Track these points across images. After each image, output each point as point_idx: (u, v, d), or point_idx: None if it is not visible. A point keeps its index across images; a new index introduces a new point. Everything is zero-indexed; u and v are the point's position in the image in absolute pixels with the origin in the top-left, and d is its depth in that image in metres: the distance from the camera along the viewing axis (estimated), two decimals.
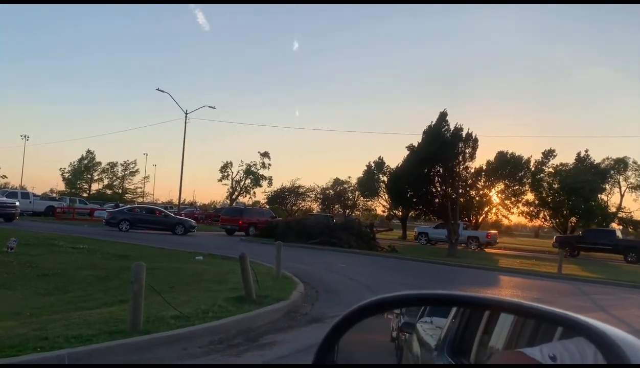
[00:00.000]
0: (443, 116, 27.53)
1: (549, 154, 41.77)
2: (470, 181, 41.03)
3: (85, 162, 74.41)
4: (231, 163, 72.70)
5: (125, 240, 21.50)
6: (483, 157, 44.13)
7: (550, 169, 41.95)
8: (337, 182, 62.16)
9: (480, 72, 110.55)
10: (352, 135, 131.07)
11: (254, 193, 71.49)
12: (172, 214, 35.00)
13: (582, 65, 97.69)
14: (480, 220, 43.20)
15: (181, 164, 42.27)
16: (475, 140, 28.25)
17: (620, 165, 56.70)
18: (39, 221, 34.00)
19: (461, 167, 28.15)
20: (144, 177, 78.01)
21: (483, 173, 40.86)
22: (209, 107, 43.72)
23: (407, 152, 28.71)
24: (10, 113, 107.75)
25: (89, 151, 73.96)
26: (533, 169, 42.09)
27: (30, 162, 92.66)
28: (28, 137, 71.07)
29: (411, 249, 28.30)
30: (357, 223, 27.91)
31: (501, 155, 41.87)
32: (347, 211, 60.20)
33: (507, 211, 42.17)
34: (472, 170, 33.75)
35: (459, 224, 35.53)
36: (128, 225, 29.68)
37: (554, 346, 0.99)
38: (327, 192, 59.95)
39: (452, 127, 27.54)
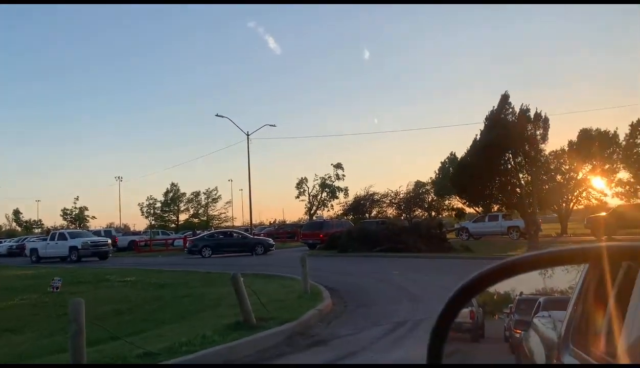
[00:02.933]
0: (505, 99, 25.34)
1: (638, 124, 37.23)
2: (552, 165, 37.86)
3: (171, 194, 77.52)
4: (306, 178, 73.16)
5: (184, 267, 21.38)
6: (564, 137, 40.33)
7: None
8: (418, 184, 59.89)
9: (542, 52, 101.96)
10: (424, 134, 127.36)
11: (332, 205, 71.24)
12: (250, 235, 35.05)
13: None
14: (571, 207, 39.40)
15: (248, 185, 42.62)
16: (546, 120, 25.72)
17: None
18: (120, 256, 35.31)
19: (532, 151, 25.74)
20: (227, 202, 79.90)
21: (566, 155, 37.43)
22: (269, 125, 43.58)
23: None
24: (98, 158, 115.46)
25: (172, 184, 77.03)
26: (624, 143, 37.73)
27: (114, 201, 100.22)
28: (121, 178, 75.37)
29: (487, 246, 26.10)
30: (424, 225, 26.22)
31: (585, 133, 38.01)
32: (431, 213, 57.76)
33: (600, 194, 38.03)
34: (547, 154, 30.93)
35: (498, 215, 32.34)
36: (210, 251, 29.86)
37: None
38: (407, 194, 57.69)
39: (517, 110, 25.29)
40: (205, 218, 76.57)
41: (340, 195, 70.42)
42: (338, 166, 71.51)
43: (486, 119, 25.51)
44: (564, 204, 38.46)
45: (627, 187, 37.04)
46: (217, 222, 77.12)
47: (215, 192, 77.46)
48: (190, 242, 32.95)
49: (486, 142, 24.64)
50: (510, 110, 25.21)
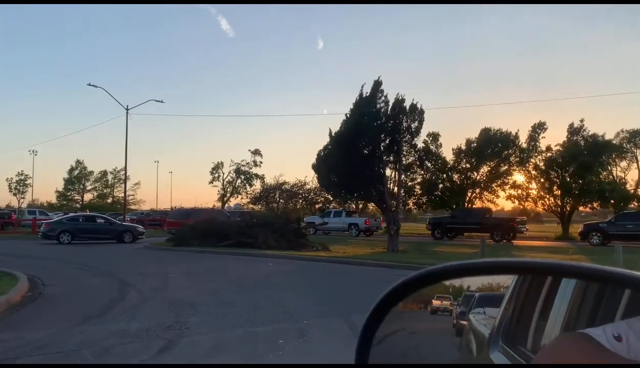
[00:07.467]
0: (377, 85, 22.95)
1: (539, 127, 35.89)
2: (450, 164, 36.26)
3: (76, 172, 72.44)
4: (222, 163, 69.99)
5: None
6: (464, 135, 38.90)
7: (552, 146, 35.73)
8: None
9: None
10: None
11: (246, 193, 68.33)
12: (118, 222, 31.88)
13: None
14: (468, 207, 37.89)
15: (125, 164, 39.06)
16: (422, 112, 23.61)
17: (637, 137, 50.71)
18: None
19: (407, 144, 23.67)
20: (135, 184, 75.36)
21: (463, 154, 35.91)
22: (156, 100, 39.72)
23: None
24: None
25: (78, 161, 71.92)
26: (526, 145, 36.24)
27: None
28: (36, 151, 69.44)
29: (349, 244, 23.81)
30: (281, 218, 23.71)
31: (485, 133, 36.46)
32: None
33: (492, 195, 36.74)
34: (423, 146, 29.21)
35: (341, 211, 33.56)
36: (69, 237, 26.77)
37: (618, 325, 0.88)
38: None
39: (391, 99, 22.92)
40: (110, 199, 72.09)
41: (257, 182, 67.85)
42: (256, 152, 68.69)
43: (355, 104, 22.96)
44: (461, 204, 36.94)
45: (520, 191, 35.82)
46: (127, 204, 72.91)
47: (123, 172, 73.19)
48: (46, 225, 29.23)
49: (349, 131, 22.25)
50: (383, 98, 22.90)
